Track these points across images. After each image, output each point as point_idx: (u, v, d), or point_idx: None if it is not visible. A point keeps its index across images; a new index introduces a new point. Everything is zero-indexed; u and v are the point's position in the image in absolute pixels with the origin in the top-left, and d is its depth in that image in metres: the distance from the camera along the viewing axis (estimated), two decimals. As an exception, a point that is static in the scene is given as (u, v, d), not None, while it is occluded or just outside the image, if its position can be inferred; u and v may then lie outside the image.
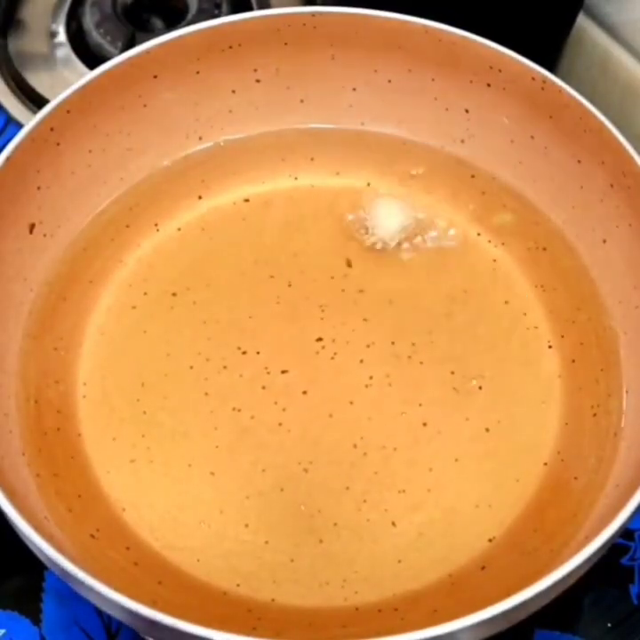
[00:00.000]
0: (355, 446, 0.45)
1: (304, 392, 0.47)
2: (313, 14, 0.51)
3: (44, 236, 0.49)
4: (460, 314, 0.49)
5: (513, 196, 0.52)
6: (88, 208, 0.51)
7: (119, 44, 0.62)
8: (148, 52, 0.50)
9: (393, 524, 0.44)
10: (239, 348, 0.48)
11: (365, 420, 0.46)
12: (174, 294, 0.50)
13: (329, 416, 0.46)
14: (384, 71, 0.53)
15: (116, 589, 0.36)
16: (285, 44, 0.52)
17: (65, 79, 0.62)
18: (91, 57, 0.63)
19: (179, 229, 0.52)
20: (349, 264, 0.50)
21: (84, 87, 0.49)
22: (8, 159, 0.46)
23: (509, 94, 0.51)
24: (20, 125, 0.61)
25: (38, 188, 0.48)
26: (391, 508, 0.44)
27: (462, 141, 0.53)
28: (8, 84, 0.63)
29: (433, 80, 0.52)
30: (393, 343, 0.48)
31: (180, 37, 0.50)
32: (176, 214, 0.52)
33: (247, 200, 0.53)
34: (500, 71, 0.50)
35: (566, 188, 0.50)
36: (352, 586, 0.42)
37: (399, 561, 0.43)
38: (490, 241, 0.51)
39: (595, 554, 0.38)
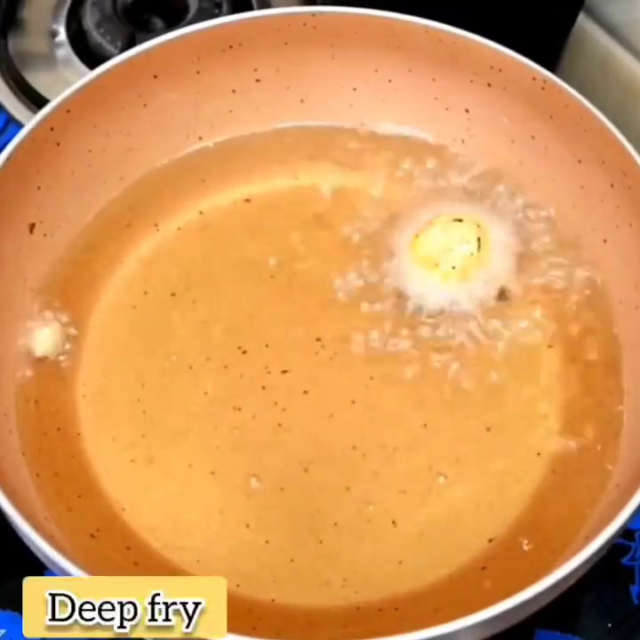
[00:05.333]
0: (355, 446, 0.45)
1: (304, 392, 0.47)
2: (313, 14, 0.51)
3: (44, 235, 0.49)
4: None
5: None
6: (88, 208, 0.51)
7: (119, 44, 0.62)
8: (147, 51, 0.50)
9: (393, 523, 0.44)
10: (239, 348, 0.48)
11: (365, 420, 0.46)
12: (174, 294, 0.50)
13: (329, 416, 0.46)
14: (384, 71, 0.53)
15: (116, 589, 0.36)
16: (285, 43, 0.52)
17: (65, 79, 0.62)
18: (91, 57, 0.63)
19: (179, 229, 0.52)
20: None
21: (84, 87, 0.49)
22: (8, 159, 0.46)
23: (510, 94, 0.51)
24: (20, 125, 0.61)
25: (38, 187, 0.48)
26: (391, 507, 0.44)
27: (463, 141, 0.53)
28: (8, 84, 0.63)
29: (433, 80, 0.52)
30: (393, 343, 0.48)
31: (180, 37, 0.50)
32: (176, 214, 0.52)
33: (247, 200, 0.53)
34: (500, 71, 0.50)
35: (566, 187, 0.50)
36: (352, 586, 0.42)
37: (399, 561, 0.43)
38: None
39: (595, 554, 0.38)
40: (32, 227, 0.49)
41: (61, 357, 0.47)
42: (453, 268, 0.48)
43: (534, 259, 0.50)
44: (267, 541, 0.43)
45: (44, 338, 0.47)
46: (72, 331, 0.48)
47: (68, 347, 0.48)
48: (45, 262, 0.49)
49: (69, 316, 0.48)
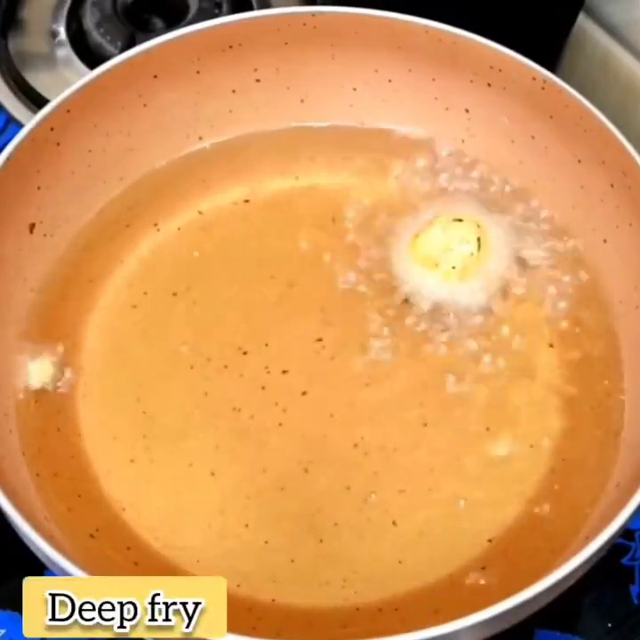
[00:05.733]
0: (355, 446, 0.45)
1: (304, 392, 0.47)
2: (313, 14, 0.51)
3: (44, 235, 0.49)
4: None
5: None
6: (88, 208, 0.51)
7: (119, 44, 0.62)
8: (148, 51, 0.50)
9: (393, 523, 0.44)
10: (240, 348, 0.48)
11: (366, 420, 0.46)
12: (174, 294, 0.50)
13: (329, 416, 0.46)
14: (384, 71, 0.53)
15: (116, 589, 0.36)
16: (286, 43, 0.52)
17: (65, 79, 0.62)
18: (91, 57, 0.63)
19: (179, 229, 0.52)
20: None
21: (84, 87, 0.49)
22: (8, 159, 0.46)
23: (510, 94, 0.50)
24: (20, 125, 0.61)
25: (38, 187, 0.48)
26: (391, 507, 0.44)
27: (463, 141, 0.53)
28: (8, 84, 0.63)
29: (433, 80, 0.52)
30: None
31: (181, 37, 0.50)
32: (176, 214, 0.52)
33: (247, 200, 0.53)
34: (500, 71, 0.50)
35: (566, 187, 0.50)
36: (352, 586, 0.42)
37: (399, 561, 0.43)
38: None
39: (595, 554, 0.38)
40: (32, 227, 0.48)
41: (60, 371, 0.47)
42: (453, 267, 0.48)
43: (534, 258, 0.50)
44: (266, 541, 0.43)
45: (38, 369, 0.47)
46: (72, 332, 0.48)
47: (60, 349, 0.47)
48: (45, 262, 0.49)
49: (70, 316, 0.48)
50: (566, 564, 0.37)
